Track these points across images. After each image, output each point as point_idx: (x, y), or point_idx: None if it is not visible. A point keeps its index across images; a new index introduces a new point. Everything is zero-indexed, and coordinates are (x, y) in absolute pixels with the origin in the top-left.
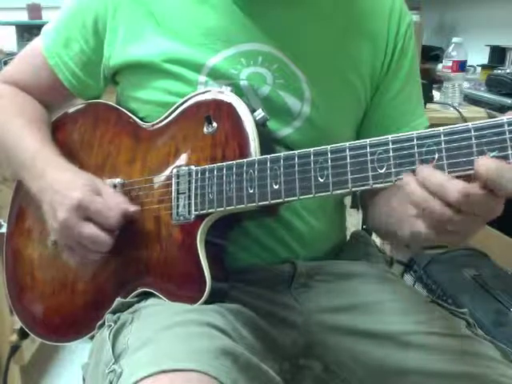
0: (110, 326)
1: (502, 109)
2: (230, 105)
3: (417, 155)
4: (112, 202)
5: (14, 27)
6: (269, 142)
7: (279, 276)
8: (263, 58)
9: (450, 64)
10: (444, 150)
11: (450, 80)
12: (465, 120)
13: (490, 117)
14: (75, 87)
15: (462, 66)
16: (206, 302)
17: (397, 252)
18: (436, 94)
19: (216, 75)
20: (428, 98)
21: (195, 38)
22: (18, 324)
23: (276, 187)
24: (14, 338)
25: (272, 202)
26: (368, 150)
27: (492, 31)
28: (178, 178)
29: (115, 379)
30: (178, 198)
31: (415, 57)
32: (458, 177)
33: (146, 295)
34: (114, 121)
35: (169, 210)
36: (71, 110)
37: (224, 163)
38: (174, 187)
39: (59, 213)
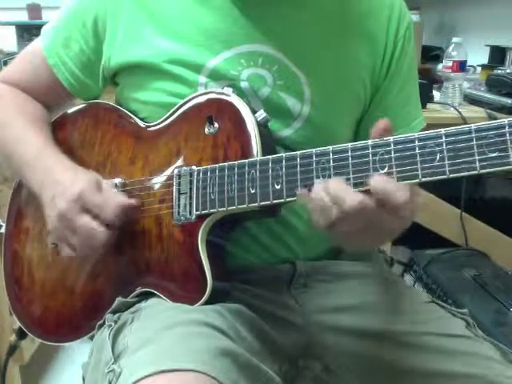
0: (110, 325)
1: (502, 109)
2: (231, 105)
3: (418, 156)
4: (111, 197)
5: (13, 27)
6: (270, 142)
7: (279, 276)
8: (263, 59)
9: (450, 64)
10: (445, 151)
11: (450, 80)
12: (465, 120)
13: (490, 117)
14: (74, 87)
15: (462, 66)
16: (207, 303)
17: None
18: (436, 94)
19: (216, 76)
20: (428, 98)
21: (195, 38)
22: (17, 324)
23: (278, 187)
24: (13, 338)
25: (274, 202)
26: (370, 150)
27: (492, 31)
28: (179, 178)
29: (114, 379)
30: (179, 198)
31: (414, 57)
32: (457, 178)
33: (146, 295)
34: (115, 121)
35: (170, 209)
36: (71, 110)
37: (226, 163)
38: (175, 187)
39: (60, 203)
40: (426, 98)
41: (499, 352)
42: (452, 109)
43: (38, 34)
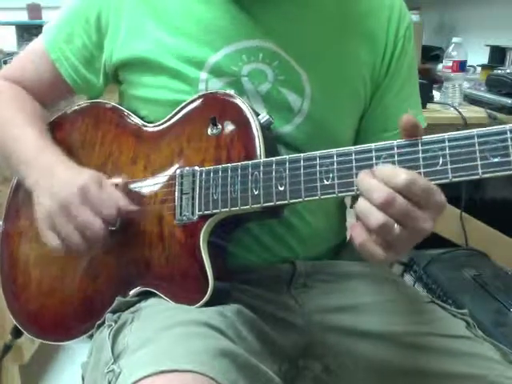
0: (110, 325)
1: (502, 109)
2: (235, 107)
3: (421, 160)
4: (113, 195)
5: (14, 27)
6: (273, 145)
7: (279, 276)
8: (264, 54)
9: (450, 64)
10: (448, 156)
11: (450, 80)
12: (465, 120)
13: (490, 117)
14: (76, 82)
15: (462, 66)
16: (208, 304)
17: None
18: (436, 94)
19: (217, 72)
20: (428, 98)
21: (196, 34)
22: (13, 323)
23: (281, 189)
24: (8, 337)
25: (277, 203)
26: (374, 154)
27: (492, 31)
28: (181, 178)
29: (114, 379)
30: (181, 198)
31: (414, 57)
32: (459, 182)
33: (146, 295)
34: (116, 120)
35: (172, 210)
36: (71, 109)
37: (229, 164)
38: (177, 187)
39: (61, 192)
40: (426, 98)
41: (499, 352)
42: (452, 109)
43: (38, 34)
